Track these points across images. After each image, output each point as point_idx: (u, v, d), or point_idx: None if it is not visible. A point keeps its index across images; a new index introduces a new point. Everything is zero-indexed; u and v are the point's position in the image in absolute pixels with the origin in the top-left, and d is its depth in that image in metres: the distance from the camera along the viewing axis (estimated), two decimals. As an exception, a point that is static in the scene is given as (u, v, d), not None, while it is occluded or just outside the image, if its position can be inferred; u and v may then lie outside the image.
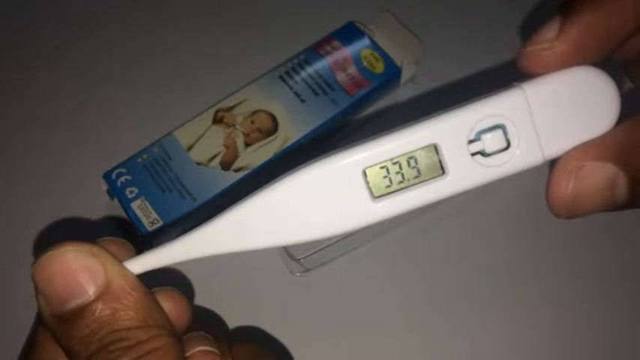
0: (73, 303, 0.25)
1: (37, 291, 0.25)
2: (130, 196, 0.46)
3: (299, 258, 0.45)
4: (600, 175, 0.25)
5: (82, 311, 0.25)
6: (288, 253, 0.45)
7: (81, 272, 0.25)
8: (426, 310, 0.46)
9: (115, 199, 0.47)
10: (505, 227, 0.49)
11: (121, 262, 0.26)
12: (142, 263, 0.27)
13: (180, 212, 0.46)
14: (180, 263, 0.27)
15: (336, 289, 0.47)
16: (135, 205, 0.46)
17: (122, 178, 0.47)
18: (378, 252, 0.47)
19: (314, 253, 0.45)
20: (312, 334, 0.45)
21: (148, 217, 0.45)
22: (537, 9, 0.55)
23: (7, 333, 0.41)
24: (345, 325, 0.45)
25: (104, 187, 0.47)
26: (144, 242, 0.45)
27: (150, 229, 0.45)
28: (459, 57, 0.53)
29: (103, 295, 0.25)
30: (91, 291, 0.25)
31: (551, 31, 0.25)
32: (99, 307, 0.25)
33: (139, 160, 0.47)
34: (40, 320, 0.27)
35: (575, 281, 0.47)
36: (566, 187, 0.25)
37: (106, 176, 0.47)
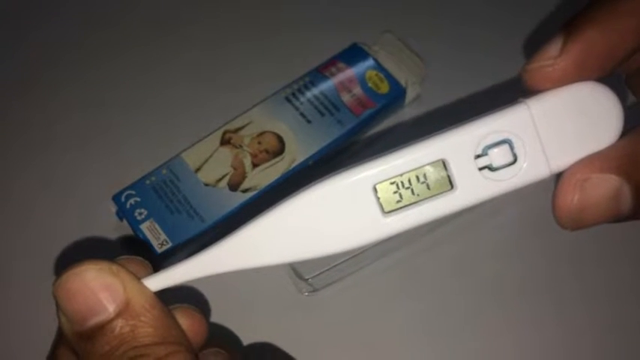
0: (94, 320, 0.25)
1: (59, 308, 0.26)
2: (139, 218, 0.47)
3: (307, 278, 0.45)
4: (605, 187, 0.25)
5: (102, 328, 0.25)
6: (297, 273, 0.45)
7: (101, 290, 0.25)
8: (436, 328, 0.46)
9: (125, 221, 0.47)
10: (515, 243, 0.49)
11: (139, 280, 0.27)
12: (159, 281, 0.27)
13: (189, 233, 0.46)
14: (196, 281, 0.28)
15: (345, 307, 0.47)
16: (144, 227, 0.46)
17: (131, 200, 0.47)
18: (387, 270, 0.47)
19: (322, 272, 0.45)
20: (323, 351, 0.45)
21: (157, 239, 0.46)
22: (540, 27, 0.56)
23: (29, 350, 0.41)
24: (354, 343, 0.46)
25: (113, 209, 0.48)
26: (154, 263, 0.45)
27: (159, 250, 0.45)
28: (462, 75, 0.54)
29: (122, 312, 0.25)
30: (111, 308, 0.25)
31: (553, 48, 0.26)
32: (119, 324, 0.25)
33: (148, 181, 0.48)
34: (61, 337, 0.28)
35: (585, 297, 0.47)
36: (571, 198, 0.26)
37: (116, 198, 0.47)
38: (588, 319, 0.46)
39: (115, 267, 0.26)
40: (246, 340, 0.45)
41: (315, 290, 0.47)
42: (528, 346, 0.45)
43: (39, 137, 0.54)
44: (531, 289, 0.47)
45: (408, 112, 0.53)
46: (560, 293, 0.47)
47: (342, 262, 0.45)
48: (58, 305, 0.26)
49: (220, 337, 0.44)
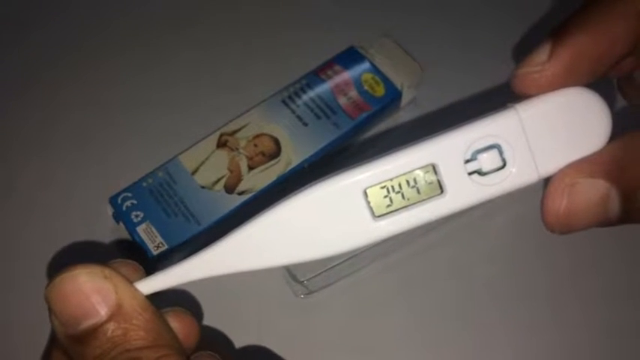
0: (86, 323, 0.26)
1: (51, 312, 0.26)
2: (135, 220, 0.47)
3: (302, 280, 0.45)
4: (593, 192, 0.25)
5: (94, 331, 0.26)
6: (292, 275, 0.45)
7: (93, 294, 0.26)
8: (432, 330, 0.46)
9: (121, 223, 0.47)
10: (511, 245, 0.49)
11: (131, 283, 0.27)
12: (151, 284, 0.28)
13: (184, 236, 0.46)
14: (188, 284, 0.28)
15: (341, 310, 0.47)
16: (140, 229, 0.46)
17: (128, 202, 0.47)
18: (381, 273, 0.48)
19: (317, 275, 0.45)
20: (318, 354, 0.45)
21: (153, 241, 0.46)
22: (532, 33, 0.56)
23: (22, 354, 0.42)
24: (349, 346, 0.46)
25: (110, 211, 0.48)
26: (150, 265, 0.46)
27: (155, 252, 0.45)
28: (458, 79, 0.54)
29: (114, 315, 0.26)
30: (103, 312, 0.26)
31: (542, 54, 0.26)
32: (111, 327, 0.26)
33: (145, 184, 0.48)
34: (54, 340, 0.28)
35: (581, 299, 0.47)
36: (559, 203, 0.26)
37: (112, 200, 0.48)
38: (584, 322, 0.46)
39: (107, 270, 0.26)
40: (239, 343, 0.46)
41: (310, 292, 0.47)
42: (524, 349, 0.45)
43: (36, 139, 0.54)
44: (526, 291, 0.47)
45: (403, 115, 0.54)
46: (556, 295, 0.47)
47: (338, 265, 0.45)
48: (50, 308, 0.26)
49: (213, 340, 0.44)
